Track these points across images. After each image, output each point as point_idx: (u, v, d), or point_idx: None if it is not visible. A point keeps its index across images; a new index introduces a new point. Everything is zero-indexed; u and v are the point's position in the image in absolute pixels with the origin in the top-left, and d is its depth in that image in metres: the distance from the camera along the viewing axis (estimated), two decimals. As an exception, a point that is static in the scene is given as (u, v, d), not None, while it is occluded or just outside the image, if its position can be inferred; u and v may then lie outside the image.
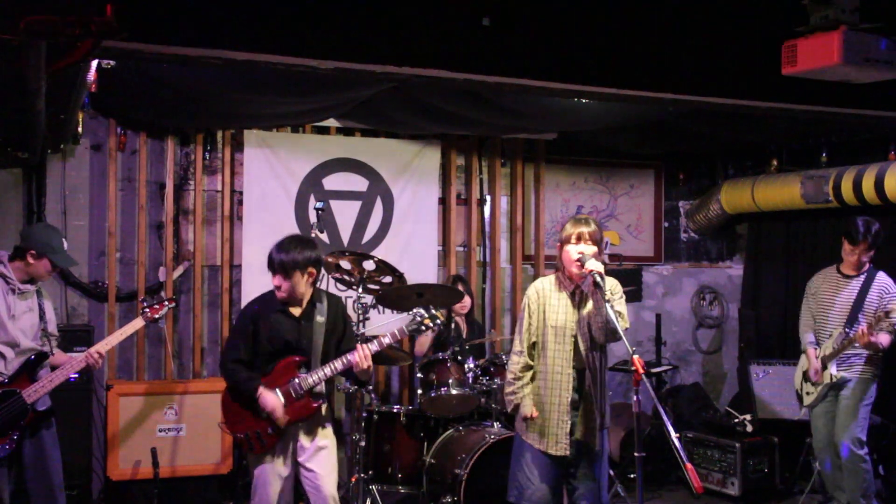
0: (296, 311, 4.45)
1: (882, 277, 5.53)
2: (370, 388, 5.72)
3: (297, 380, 4.36)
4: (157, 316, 4.85)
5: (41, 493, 4.51)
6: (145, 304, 4.90)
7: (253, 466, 4.47)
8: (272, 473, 4.41)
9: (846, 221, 5.64)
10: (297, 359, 4.39)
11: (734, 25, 4.74)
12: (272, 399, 4.33)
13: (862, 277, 5.55)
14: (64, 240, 4.61)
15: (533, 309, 4.22)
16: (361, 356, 4.34)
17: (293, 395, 4.35)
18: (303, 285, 4.38)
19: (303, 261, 4.34)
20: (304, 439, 4.45)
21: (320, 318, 4.45)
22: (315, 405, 4.39)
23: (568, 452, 4.14)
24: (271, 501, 4.41)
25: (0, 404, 4.33)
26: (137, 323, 4.82)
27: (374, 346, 4.43)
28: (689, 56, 4.87)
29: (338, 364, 4.37)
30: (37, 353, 4.49)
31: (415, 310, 4.66)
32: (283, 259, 4.32)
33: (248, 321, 4.46)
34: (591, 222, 4.16)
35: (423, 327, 4.59)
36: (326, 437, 4.50)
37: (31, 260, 4.45)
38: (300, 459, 4.44)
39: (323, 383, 4.42)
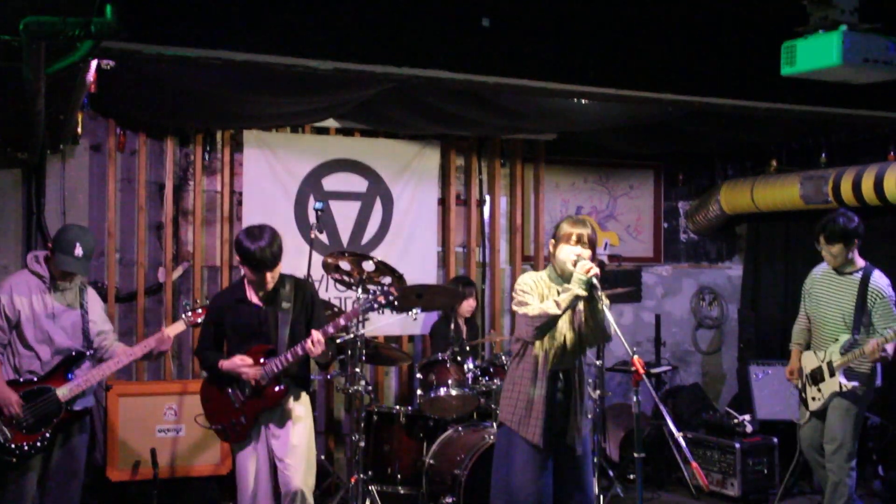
0: (258, 301, 4.52)
1: (876, 279, 5.21)
2: (370, 388, 5.71)
3: (262, 368, 4.44)
4: (199, 321, 4.77)
5: (56, 500, 4.51)
6: (187, 308, 4.82)
7: (235, 454, 4.61)
8: (250, 461, 4.52)
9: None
10: (264, 347, 4.48)
11: (733, 26, 4.75)
12: (231, 362, 4.44)
13: (858, 276, 5.23)
14: (79, 245, 4.39)
15: (533, 290, 4.11)
16: (314, 341, 4.39)
17: (261, 382, 4.44)
18: (276, 275, 4.49)
19: (280, 253, 4.42)
20: (275, 427, 4.52)
21: (286, 305, 4.52)
22: (278, 389, 4.46)
23: (543, 444, 4.04)
24: (249, 488, 4.50)
25: (32, 401, 4.32)
26: (178, 326, 4.74)
27: (329, 329, 4.49)
28: (688, 56, 4.87)
29: (298, 350, 4.42)
30: (76, 351, 4.48)
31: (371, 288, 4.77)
32: (267, 257, 4.35)
33: (213, 315, 4.62)
34: (588, 224, 4.14)
35: (376, 304, 4.64)
36: (300, 424, 4.53)
37: (51, 255, 4.46)
38: (273, 448, 4.52)
39: (288, 367, 4.46)
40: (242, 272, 4.52)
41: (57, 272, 4.45)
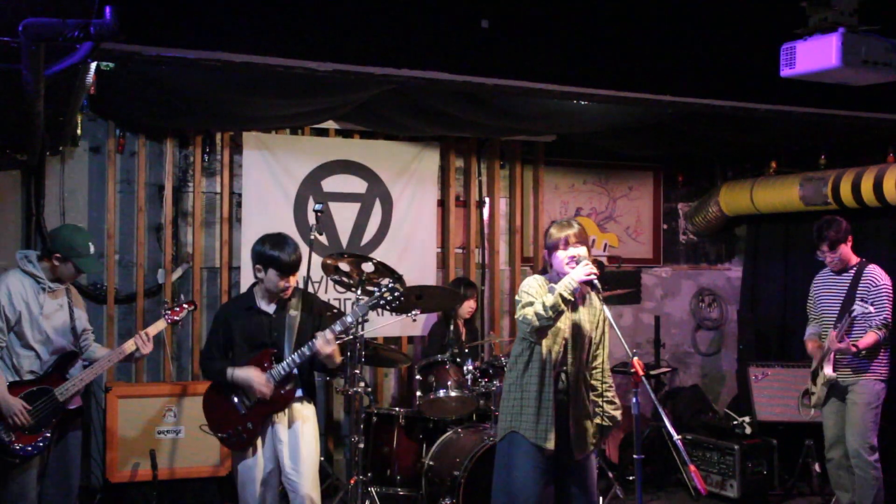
0: (268, 308, 4.54)
1: (871, 270, 5.38)
2: (369, 389, 5.71)
3: (269, 372, 4.43)
4: (177, 318, 4.89)
5: (58, 496, 4.53)
6: (166, 307, 4.93)
7: (236, 463, 4.54)
8: (256, 468, 4.47)
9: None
10: (272, 351, 4.48)
11: (733, 27, 4.75)
12: (245, 372, 4.41)
13: (852, 272, 5.43)
14: (91, 244, 4.55)
15: (537, 293, 4.02)
16: (324, 339, 4.38)
17: (267, 394, 4.42)
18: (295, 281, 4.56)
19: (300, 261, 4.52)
20: (282, 433, 4.49)
21: (293, 312, 4.54)
22: (287, 390, 4.46)
23: (553, 447, 4.00)
24: (256, 496, 4.47)
25: (36, 401, 4.35)
26: (160, 324, 4.83)
27: (336, 328, 4.46)
28: (687, 58, 4.88)
29: (304, 350, 4.42)
30: (70, 350, 4.52)
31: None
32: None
33: (220, 323, 4.60)
34: (573, 224, 4.07)
35: (382, 300, 4.62)
36: (307, 430, 4.52)
37: (56, 262, 4.46)
38: (280, 454, 4.49)
39: (295, 370, 4.47)
40: (258, 283, 4.52)
41: (70, 276, 4.51)
